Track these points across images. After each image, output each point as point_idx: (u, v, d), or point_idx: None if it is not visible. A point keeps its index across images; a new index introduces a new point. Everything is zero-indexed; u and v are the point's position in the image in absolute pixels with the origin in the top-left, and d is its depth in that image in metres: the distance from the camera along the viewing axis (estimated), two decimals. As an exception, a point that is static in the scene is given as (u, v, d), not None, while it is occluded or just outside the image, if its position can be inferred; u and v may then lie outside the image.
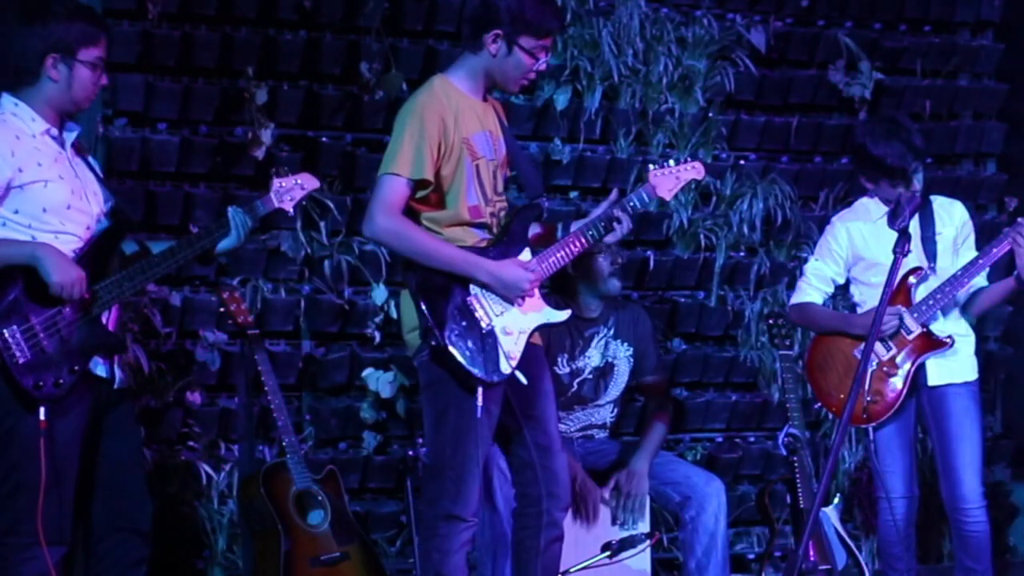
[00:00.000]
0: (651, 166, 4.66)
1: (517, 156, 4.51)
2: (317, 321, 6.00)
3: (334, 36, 6.09)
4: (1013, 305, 6.94)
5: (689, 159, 4.73)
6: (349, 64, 6.10)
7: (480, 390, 4.22)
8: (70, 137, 4.22)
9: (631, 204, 4.51)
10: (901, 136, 5.02)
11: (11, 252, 4.02)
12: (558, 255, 4.41)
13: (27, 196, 4.06)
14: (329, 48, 6.07)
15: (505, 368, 4.26)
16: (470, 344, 4.23)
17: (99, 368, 4.16)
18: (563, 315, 4.44)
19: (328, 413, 6.00)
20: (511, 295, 4.29)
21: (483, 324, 4.26)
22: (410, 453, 5.98)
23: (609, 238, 4.50)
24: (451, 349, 4.21)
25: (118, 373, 4.25)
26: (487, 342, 4.25)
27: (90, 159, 4.32)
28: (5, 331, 3.97)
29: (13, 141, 4.07)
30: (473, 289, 4.29)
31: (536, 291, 4.39)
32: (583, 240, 4.45)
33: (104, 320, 4.16)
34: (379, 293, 6.00)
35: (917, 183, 5.06)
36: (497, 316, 4.29)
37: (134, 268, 4.18)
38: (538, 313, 4.37)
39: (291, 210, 4.47)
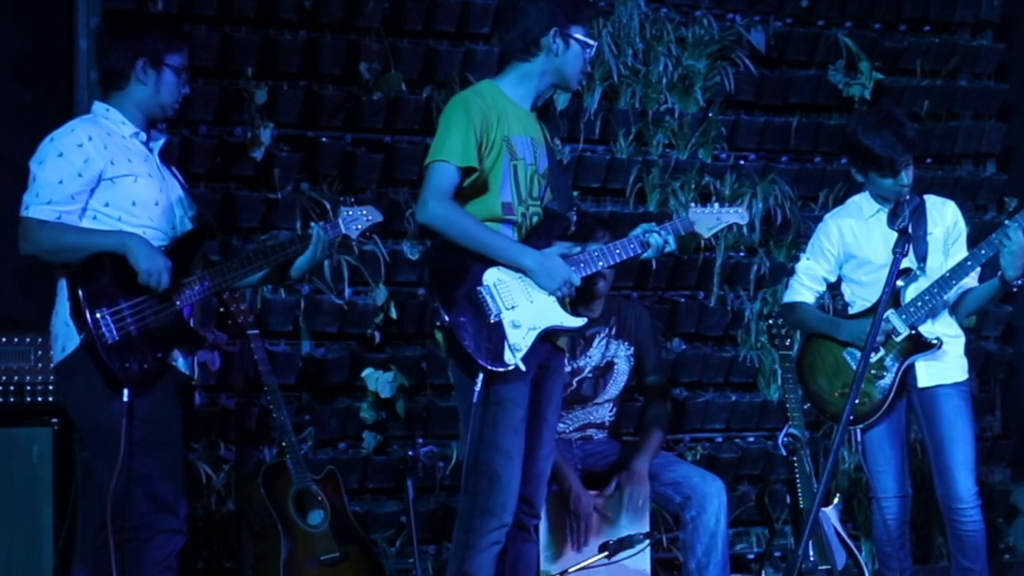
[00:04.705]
0: (693, 204, 4.79)
1: (552, 169, 4.56)
2: (317, 321, 6.00)
3: (334, 36, 6.10)
4: (1013, 305, 6.94)
5: (730, 204, 4.80)
6: (349, 64, 6.10)
7: (481, 377, 4.24)
8: (157, 146, 4.41)
9: (663, 231, 4.55)
10: (891, 127, 5.02)
11: (102, 240, 4.18)
12: (581, 266, 4.44)
13: (118, 189, 4.23)
14: (329, 48, 6.07)
15: (508, 359, 4.27)
16: (474, 330, 4.27)
17: (179, 362, 4.30)
18: (578, 322, 4.45)
19: (328, 413, 6.00)
20: (552, 282, 4.34)
21: (491, 314, 4.29)
22: (410, 453, 5.99)
23: (648, 253, 4.54)
24: (454, 332, 4.26)
25: (196, 370, 4.43)
26: (493, 331, 4.28)
27: (174, 169, 4.49)
28: (97, 312, 4.10)
29: (105, 136, 4.26)
30: (486, 280, 4.33)
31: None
32: (613, 257, 4.48)
33: (185, 316, 4.30)
34: (379, 293, 6.00)
35: (906, 177, 5.04)
36: (508, 309, 4.31)
37: (215, 270, 4.35)
38: (552, 314, 4.39)
39: (355, 237, 4.66)
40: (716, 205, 4.72)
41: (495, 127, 4.37)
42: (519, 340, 4.30)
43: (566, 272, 4.37)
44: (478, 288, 4.31)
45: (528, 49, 4.46)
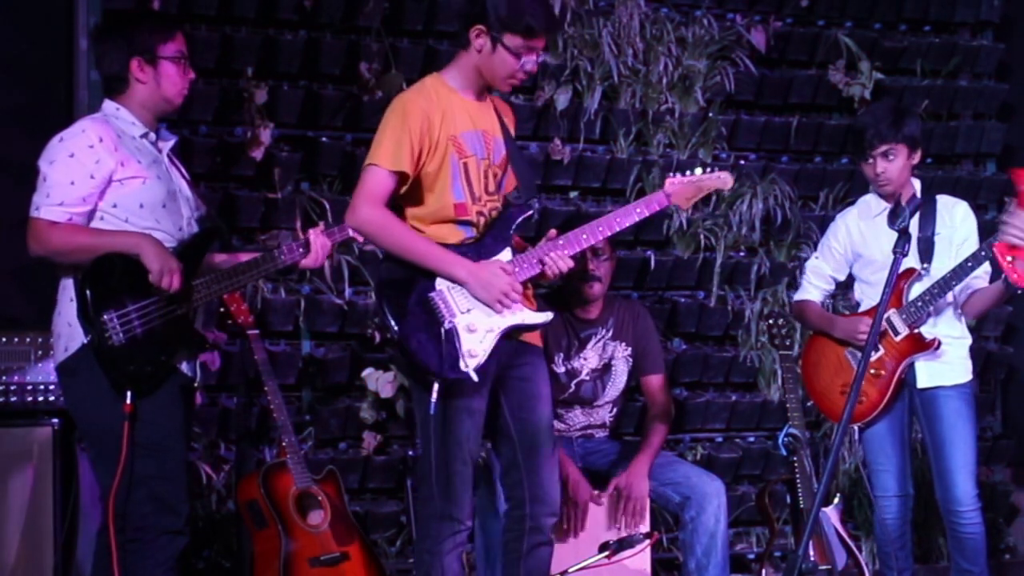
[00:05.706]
0: (671, 174, 4.52)
1: (514, 157, 4.46)
2: (317, 321, 6.00)
3: (334, 36, 6.10)
4: (1013, 305, 6.94)
5: (714, 170, 4.52)
6: (349, 64, 6.10)
7: (436, 386, 4.16)
8: (166, 146, 4.41)
9: (637, 210, 4.43)
10: (883, 110, 5.04)
11: (114, 241, 4.18)
12: (533, 260, 4.35)
13: (126, 191, 4.23)
14: (329, 48, 6.07)
15: (463, 366, 4.18)
16: (427, 338, 4.18)
17: (183, 364, 4.30)
18: (541, 317, 4.35)
19: (328, 413, 6.00)
20: (488, 295, 4.23)
21: (445, 320, 4.20)
22: (410, 453, 5.99)
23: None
24: (405, 342, 4.17)
25: (199, 372, 4.44)
26: (447, 338, 4.19)
27: (182, 169, 4.48)
28: (104, 314, 4.10)
29: (116, 138, 4.25)
30: (438, 284, 4.24)
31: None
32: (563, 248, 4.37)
33: (191, 318, 4.31)
34: (379, 293, 6.01)
35: (884, 163, 5.01)
36: (462, 313, 4.23)
37: (221, 273, 4.34)
38: (512, 314, 4.29)
39: (361, 240, 4.75)
40: (699, 171, 4.49)
41: (439, 127, 4.26)
42: (475, 346, 4.21)
43: (502, 283, 4.24)
44: (430, 295, 4.22)
45: (460, 38, 4.35)
